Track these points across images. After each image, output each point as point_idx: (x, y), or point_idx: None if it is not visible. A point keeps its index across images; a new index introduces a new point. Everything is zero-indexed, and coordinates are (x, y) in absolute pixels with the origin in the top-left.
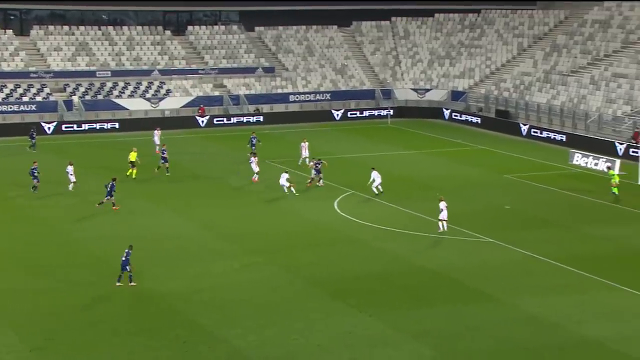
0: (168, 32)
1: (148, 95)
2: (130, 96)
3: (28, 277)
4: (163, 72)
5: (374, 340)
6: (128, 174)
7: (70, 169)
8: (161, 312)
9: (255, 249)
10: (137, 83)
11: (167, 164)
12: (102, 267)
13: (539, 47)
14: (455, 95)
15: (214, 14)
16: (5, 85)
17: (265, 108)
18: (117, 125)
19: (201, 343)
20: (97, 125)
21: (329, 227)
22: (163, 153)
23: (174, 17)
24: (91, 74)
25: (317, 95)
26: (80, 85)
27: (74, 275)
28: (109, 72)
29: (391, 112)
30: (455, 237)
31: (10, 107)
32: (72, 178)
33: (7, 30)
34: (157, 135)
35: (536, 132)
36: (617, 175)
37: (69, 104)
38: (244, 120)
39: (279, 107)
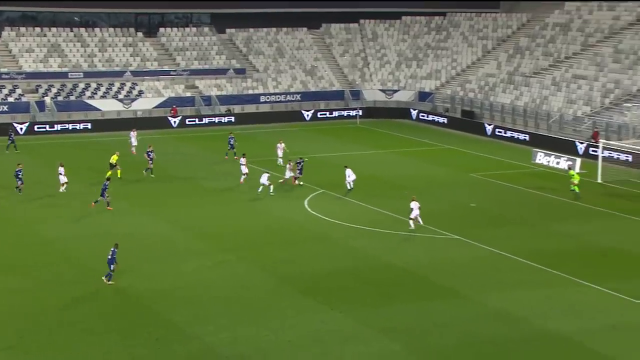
0: (140, 34)
1: (120, 96)
2: (103, 97)
3: (1, 277)
4: (135, 73)
5: (345, 336)
6: (108, 175)
7: (61, 169)
8: (135, 311)
9: (227, 247)
10: (110, 84)
11: (151, 165)
12: (78, 267)
13: (503, 50)
14: (422, 96)
15: (185, 16)
16: None
17: (237, 109)
18: (89, 125)
19: (174, 340)
20: (70, 126)
21: (299, 225)
22: (149, 155)
23: (146, 19)
24: (63, 75)
25: (288, 96)
26: (52, 86)
27: (49, 275)
28: (81, 73)
29: (360, 112)
30: (424, 234)
31: None
32: (64, 179)
33: None
34: (133, 136)
35: (500, 132)
36: (577, 174)
37: (41, 105)
38: (216, 121)
39: (250, 108)
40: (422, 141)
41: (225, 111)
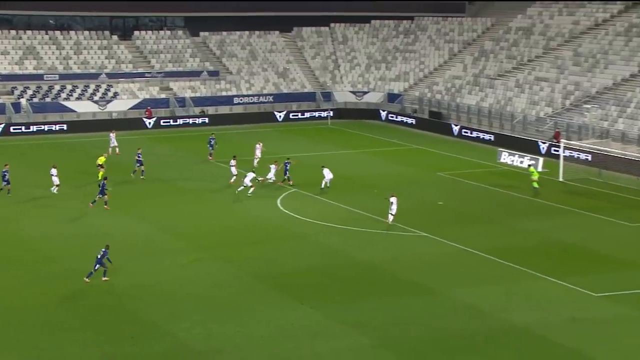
0: (115, 37)
1: (96, 98)
2: (78, 99)
3: None
4: (110, 75)
5: (316, 331)
6: (100, 175)
7: (54, 171)
8: (109, 308)
9: (201, 246)
10: (85, 86)
11: (142, 167)
12: (51, 266)
13: (468, 52)
14: (391, 97)
15: (159, 20)
16: None
17: (211, 110)
18: (65, 127)
19: (149, 337)
20: (45, 127)
21: (272, 223)
22: (138, 156)
23: (121, 22)
24: (39, 77)
25: (260, 97)
26: (27, 88)
27: (21, 274)
28: (57, 75)
29: (331, 113)
30: (392, 232)
31: None
32: (56, 180)
33: None
34: (112, 137)
35: (466, 132)
36: (537, 172)
37: (16, 107)
38: (190, 122)
39: (224, 109)
40: (391, 141)
41: (199, 112)
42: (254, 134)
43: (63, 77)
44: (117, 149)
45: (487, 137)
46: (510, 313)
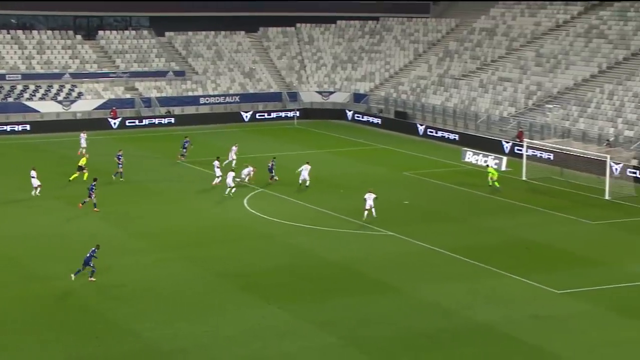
0: (79, 37)
1: (60, 98)
2: (42, 99)
3: None
4: (74, 75)
5: (283, 330)
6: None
7: (33, 173)
8: (73, 308)
9: (166, 245)
10: (49, 86)
11: (121, 169)
12: (13, 267)
13: (433, 53)
14: (357, 97)
15: (124, 19)
16: None
17: (177, 110)
18: (28, 127)
19: (112, 337)
20: (8, 127)
21: (239, 223)
22: (119, 158)
23: (85, 21)
24: (1, 77)
25: (227, 97)
26: None
27: None
28: (19, 75)
29: (297, 113)
30: (358, 231)
31: None
32: (36, 182)
33: None
34: (83, 137)
35: (432, 132)
36: (495, 171)
37: None
38: (156, 122)
39: (190, 109)
40: (358, 141)
41: (165, 112)
42: (221, 134)
43: (26, 77)
44: (83, 150)
45: (452, 136)
46: (474, 311)
